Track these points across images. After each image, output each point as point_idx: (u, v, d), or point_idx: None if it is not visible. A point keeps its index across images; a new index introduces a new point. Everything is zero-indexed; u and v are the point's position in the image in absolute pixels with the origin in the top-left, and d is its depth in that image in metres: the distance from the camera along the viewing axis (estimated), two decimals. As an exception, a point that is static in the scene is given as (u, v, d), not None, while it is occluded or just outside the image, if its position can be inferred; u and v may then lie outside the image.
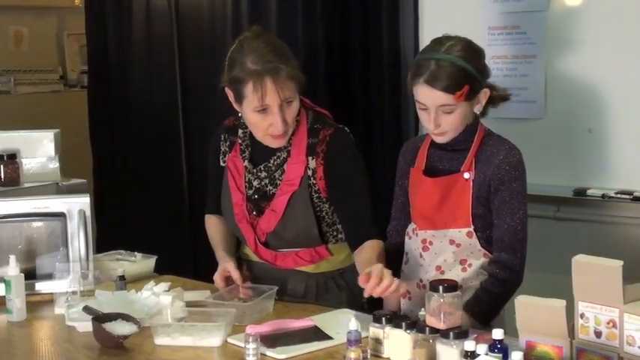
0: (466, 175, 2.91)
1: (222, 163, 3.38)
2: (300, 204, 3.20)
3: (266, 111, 3.06)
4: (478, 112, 2.94)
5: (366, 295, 2.78)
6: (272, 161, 3.24)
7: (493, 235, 2.90)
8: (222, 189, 3.39)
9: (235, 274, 3.19)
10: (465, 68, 2.84)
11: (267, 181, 3.25)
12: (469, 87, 2.84)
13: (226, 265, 3.23)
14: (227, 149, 3.37)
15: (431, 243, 2.97)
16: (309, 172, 3.19)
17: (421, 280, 3.02)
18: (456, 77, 2.83)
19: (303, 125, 3.21)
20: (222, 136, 3.39)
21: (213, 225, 3.49)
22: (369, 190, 3.21)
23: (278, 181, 3.23)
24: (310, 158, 3.18)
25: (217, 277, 3.23)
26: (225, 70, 3.13)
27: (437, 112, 2.87)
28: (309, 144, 3.19)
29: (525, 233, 2.91)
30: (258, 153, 3.27)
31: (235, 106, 3.17)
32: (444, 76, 2.82)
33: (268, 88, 3.01)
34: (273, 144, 3.19)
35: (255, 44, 3.07)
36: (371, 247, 3.08)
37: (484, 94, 2.93)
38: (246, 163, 3.28)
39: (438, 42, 2.92)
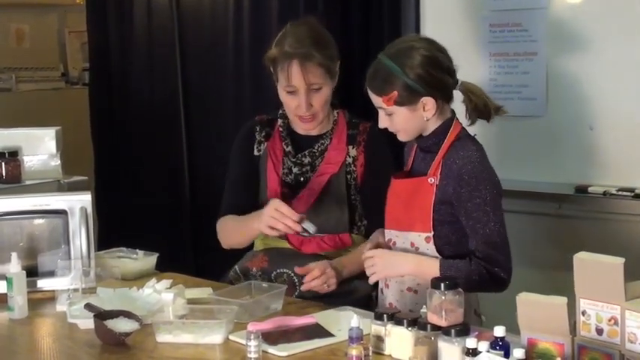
0: (430, 180, 2.85)
1: (256, 152, 3.46)
2: (336, 187, 3.32)
3: (294, 93, 3.26)
4: (426, 120, 2.87)
5: (303, 288, 3.15)
6: (316, 147, 3.38)
7: (470, 246, 2.86)
8: (260, 179, 3.42)
9: (285, 208, 3.13)
10: (392, 72, 2.82)
11: (308, 167, 3.37)
12: (398, 93, 2.82)
13: (274, 202, 3.16)
14: (263, 139, 3.46)
15: (394, 244, 2.95)
16: (349, 160, 3.34)
17: (386, 280, 3.01)
18: (382, 79, 2.84)
19: (342, 119, 3.41)
20: (257, 127, 3.49)
21: (230, 218, 3.43)
22: None
23: (318, 168, 3.35)
24: (351, 147, 3.36)
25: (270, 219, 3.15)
26: (270, 49, 3.32)
27: (381, 112, 2.90)
28: (349, 135, 3.38)
29: (503, 242, 2.83)
30: (301, 141, 3.41)
31: (276, 83, 3.35)
32: (375, 76, 2.87)
33: (294, 70, 3.22)
34: (302, 127, 3.37)
35: (298, 29, 3.30)
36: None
37: (430, 104, 2.84)
38: (288, 148, 3.40)
39: (395, 41, 2.94)
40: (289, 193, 3.35)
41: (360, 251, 3.20)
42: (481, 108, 2.90)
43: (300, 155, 3.38)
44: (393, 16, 4.67)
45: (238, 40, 5.33)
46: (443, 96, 2.87)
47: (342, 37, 4.92)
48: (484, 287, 2.82)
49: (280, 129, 3.44)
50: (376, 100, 2.88)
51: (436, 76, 2.82)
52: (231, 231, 3.43)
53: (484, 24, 4.40)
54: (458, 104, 2.94)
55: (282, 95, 3.32)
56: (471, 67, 4.32)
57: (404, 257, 2.89)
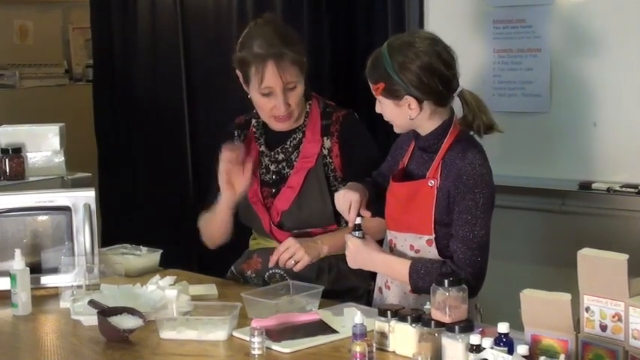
0: (430, 183, 2.81)
1: None
2: (315, 181, 3.28)
3: (269, 94, 3.20)
4: (410, 119, 2.82)
5: (270, 264, 3.22)
6: (289, 143, 3.34)
7: (450, 246, 2.81)
8: None
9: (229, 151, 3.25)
10: (385, 66, 2.80)
11: (284, 163, 3.34)
12: (385, 85, 2.81)
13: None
14: (241, 143, 3.42)
15: (395, 245, 2.94)
16: (325, 152, 3.30)
17: (387, 281, 3.00)
18: (375, 69, 2.84)
19: (315, 109, 3.35)
20: (236, 132, 3.48)
21: (203, 216, 3.47)
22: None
23: (295, 163, 3.32)
24: (325, 138, 3.31)
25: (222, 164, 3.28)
26: (236, 53, 3.27)
27: (377, 100, 2.90)
28: (322, 125, 3.33)
29: (483, 250, 2.79)
30: (274, 138, 3.37)
31: (245, 87, 3.30)
32: (372, 64, 2.86)
33: (270, 71, 3.16)
34: (278, 126, 3.32)
35: (264, 30, 3.23)
36: (370, 220, 3.17)
37: (414, 104, 2.79)
38: (262, 148, 3.37)
39: (403, 34, 2.94)
40: (269, 192, 3.35)
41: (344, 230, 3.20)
42: (469, 121, 2.86)
43: (273, 153, 3.36)
44: (397, 12, 4.67)
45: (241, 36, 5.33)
46: (432, 100, 2.81)
47: (346, 33, 4.93)
48: None
49: (254, 129, 3.42)
50: (371, 86, 2.88)
51: (425, 81, 2.77)
52: (206, 223, 3.45)
53: (488, 20, 4.40)
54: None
55: (256, 98, 3.25)
56: (475, 63, 4.33)
57: (375, 258, 2.90)
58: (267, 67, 3.15)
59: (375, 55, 2.87)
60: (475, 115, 2.85)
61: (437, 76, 2.79)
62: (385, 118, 2.91)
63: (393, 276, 2.91)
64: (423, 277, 2.76)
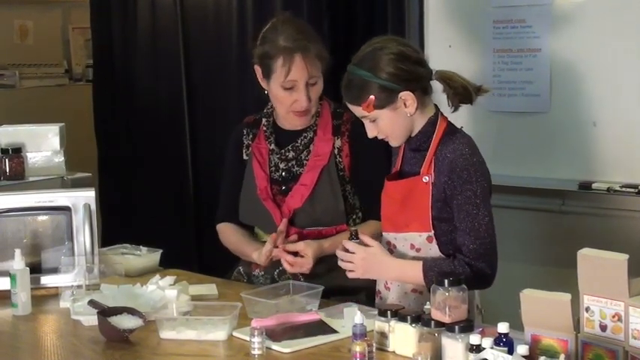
0: (425, 179, 2.83)
1: (245, 157, 3.46)
2: (328, 179, 3.30)
3: (292, 88, 3.25)
4: (409, 115, 2.83)
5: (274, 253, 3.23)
6: (299, 141, 3.37)
7: (457, 240, 2.82)
8: (244, 180, 3.42)
9: (267, 247, 3.24)
10: (364, 79, 2.81)
11: (294, 162, 3.36)
12: (375, 97, 2.80)
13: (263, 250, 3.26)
14: (250, 142, 3.46)
15: (394, 246, 2.93)
16: (336, 151, 3.33)
17: (386, 282, 3.00)
18: (357, 88, 2.82)
19: (326, 109, 3.39)
20: (245, 131, 3.50)
21: (232, 232, 3.48)
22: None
23: (305, 162, 3.34)
24: (336, 138, 3.34)
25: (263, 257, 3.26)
26: (257, 47, 3.31)
27: (366, 121, 2.88)
28: (334, 125, 3.36)
29: (491, 236, 2.80)
30: (284, 137, 3.41)
31: (262, 83, 3.34)
32: (349, 87, 2.85)
33: (297, 63, 3.22)
34: (296, 122, 3.36)
35: (288, 25, 3.28)
36: (366, 225, 3.27)
37: (410, 98, 2.80)
38: (272, 146, 3.39)
39: (360, 49, 2.91)
40: (279, 189, 3.36)
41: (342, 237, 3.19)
42: (461, 92, 2.86)
43: (284, 151, 3.38)
44: (397, 13, 4.67)
45: (241, 36, 5.33)
46: (419, 87, 2.84)
47: (346, 34, 4.93)
48: (468, 285, 2.62)
49: (264, 128, 3.44)
50: (357, 110, 2.86)
51: (407, 69, 2.80)
52: (232, 247, 3.48)
53: (488, 20, 4.40)
54: (438, 95, 2.91)
55: (277, 92, 3.29)
56: (475, 63, 4.33)
57: (386, 264, 2.87)
58: (294, 59, 3.21)
59: (347, 79, 2.87)
60: (462, 82, 2.86)
61: (412, 61, 2.83)
62: (382, 135, 2.89)
63: (405, 279, 2.90)
64: (438, 276, 2.75)
